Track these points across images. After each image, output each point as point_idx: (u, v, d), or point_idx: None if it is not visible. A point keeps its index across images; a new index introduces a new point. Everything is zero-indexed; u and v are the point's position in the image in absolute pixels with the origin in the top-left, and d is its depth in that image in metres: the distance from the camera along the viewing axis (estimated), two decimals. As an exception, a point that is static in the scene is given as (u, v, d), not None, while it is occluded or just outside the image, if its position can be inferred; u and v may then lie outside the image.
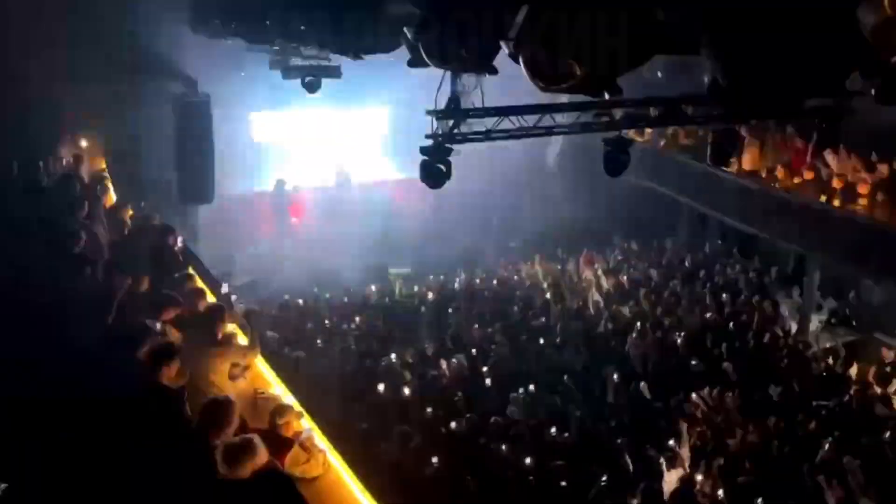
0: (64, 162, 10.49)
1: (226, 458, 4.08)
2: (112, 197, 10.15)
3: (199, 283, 7.35)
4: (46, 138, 10.71)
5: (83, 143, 11.82)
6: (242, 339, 6.45)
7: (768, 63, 2.89)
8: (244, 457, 4.09)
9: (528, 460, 7.51)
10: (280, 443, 4.93)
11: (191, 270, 7.92)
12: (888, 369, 10.54)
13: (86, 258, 6.75)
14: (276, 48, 11.48)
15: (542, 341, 11.04)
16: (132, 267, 6.89)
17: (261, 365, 6.41)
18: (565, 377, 9.73)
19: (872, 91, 9.26)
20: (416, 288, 14.49)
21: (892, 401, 9.62)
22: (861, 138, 11.61)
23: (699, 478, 7.58)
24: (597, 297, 13.70)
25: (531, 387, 9.40)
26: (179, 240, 8.51)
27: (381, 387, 9.09)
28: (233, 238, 16.21)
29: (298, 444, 4.95)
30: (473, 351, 10.66)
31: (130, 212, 9.38)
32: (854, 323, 12.35)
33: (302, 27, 7.61)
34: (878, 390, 9.72)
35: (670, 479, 7.45)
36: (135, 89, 13.24)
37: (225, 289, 8.24)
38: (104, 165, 11.72)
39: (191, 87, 14.33)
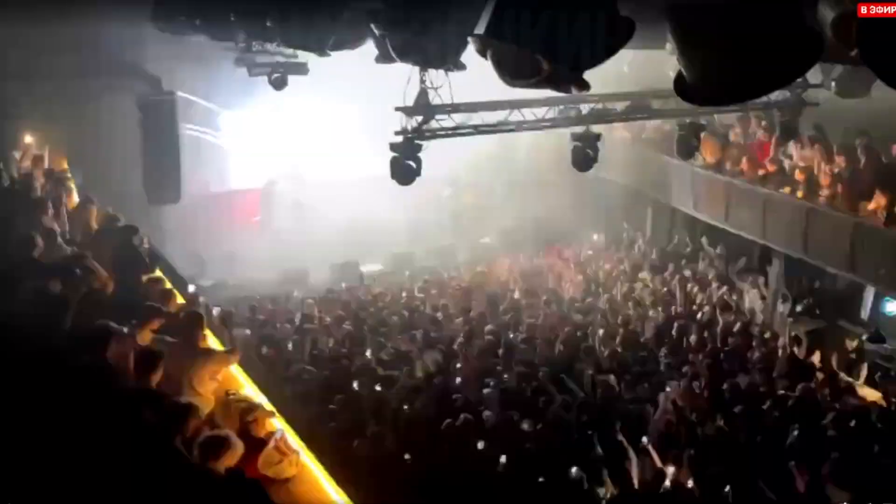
0: (24, 163, 10.25)
1: (202, 452, 4.17)
2: (75, 198, 9.95)
3: (168, 285, 7.25)
4: (5, 139, 10.46)
5: (43, 143, 11.55)
6: (215, 342, 6.37)
7: (733, 56, 2.93)
8: (220, 452, 4.18)
9: (502, 456, 7.53)
10: (253, 443, 4.89)
11: (158, 272, 7.81)
12: (853, 356, 10.78)
13: (42, 262, 6.59)
14: (242, 45, 11.33)
15: (513, 336, 11.08)
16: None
17: (232, 365, 6.33)
18: (540, 372, 9.79)
19: (833, 84, 9.44)
20: (387, 285, 14.45)
21: (856, 388, 9.84)
22: (821, 130, 11.82)
23: (670, 469, 7.67)
24: (567, 290, 13.81)
25: (504, 379, 9.43)
26: (146, 240, 8.37)
27: (354, 384, 9.05)
28: (201, 238, 15.97)
29: (271, 445, 4.92)
30: (455, 345, 10.67)
31: (95, 212, 9.19)
32: (818, 311, 12.58)
33: (267, 23, 7.49)
34: (844, 377, 9.92)
35: (641, 471, 7.53)
36: (98, 87, 12.99)
37: (192, 289, 8.13)
38: (66, 166, 11.47)
39: (155, 86, 14.10)
